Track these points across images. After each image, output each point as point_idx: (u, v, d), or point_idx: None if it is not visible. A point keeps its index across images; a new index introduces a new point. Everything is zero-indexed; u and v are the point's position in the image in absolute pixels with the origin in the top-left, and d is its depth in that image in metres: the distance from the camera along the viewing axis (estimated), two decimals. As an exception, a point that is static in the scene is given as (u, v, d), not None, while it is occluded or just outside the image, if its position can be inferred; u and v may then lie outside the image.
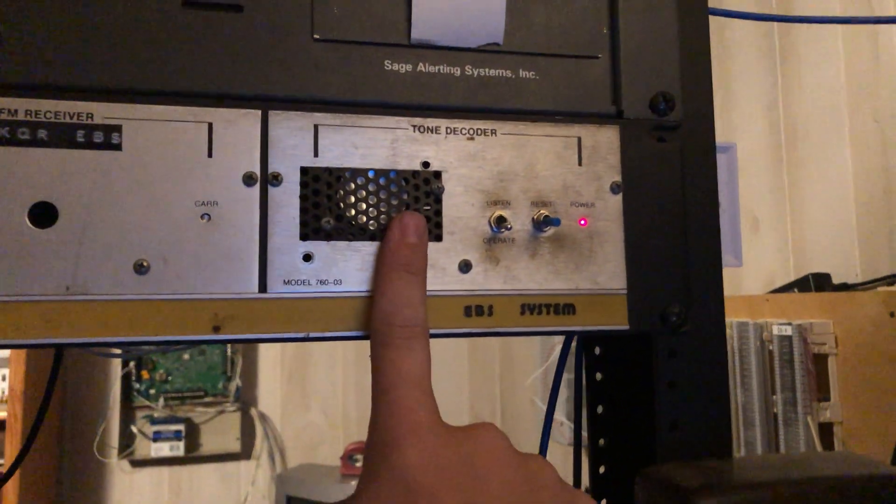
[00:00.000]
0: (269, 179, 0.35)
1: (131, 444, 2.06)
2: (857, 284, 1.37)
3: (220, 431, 2.12)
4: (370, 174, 0.36)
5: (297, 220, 0.35)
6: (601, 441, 0.45)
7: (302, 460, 2.19)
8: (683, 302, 0.39)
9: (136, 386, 2.06)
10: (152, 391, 2.07)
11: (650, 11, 0.41)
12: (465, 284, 0.37)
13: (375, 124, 0.37)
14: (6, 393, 1.89)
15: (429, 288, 0.36)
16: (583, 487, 0.50)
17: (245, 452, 2.16)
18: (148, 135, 0.34)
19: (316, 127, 0.36)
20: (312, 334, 0.35)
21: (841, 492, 0.34)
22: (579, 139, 0.39)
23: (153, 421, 2.05)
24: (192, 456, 2.08)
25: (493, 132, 0.38)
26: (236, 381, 2.11)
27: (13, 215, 0.32)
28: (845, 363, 1.19)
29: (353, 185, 0.36)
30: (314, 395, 2.22)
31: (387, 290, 0.34)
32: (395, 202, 0.36)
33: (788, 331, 1.21)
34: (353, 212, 0.36)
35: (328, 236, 0.35)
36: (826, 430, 1.20)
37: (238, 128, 0.35)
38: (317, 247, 0.35)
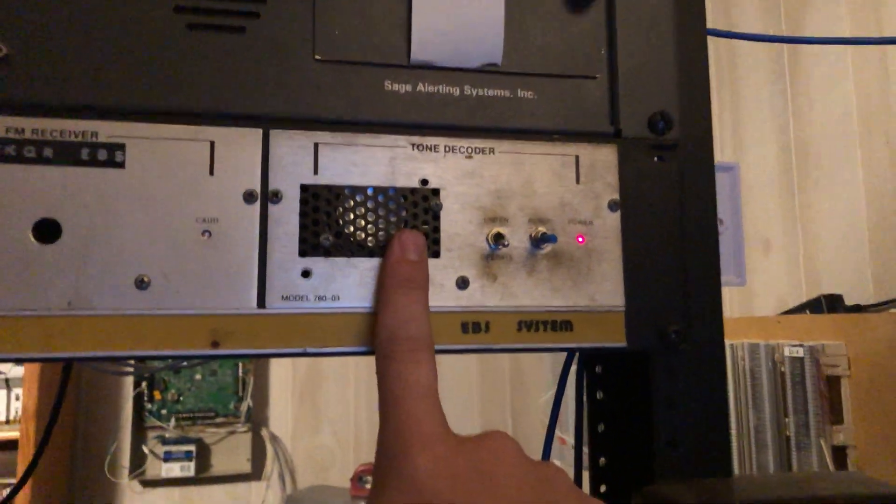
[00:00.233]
0: (269, 197, 0.36)
1: (142, 465, 2.06)
2: (870, 306, 1.35)
3: (231, 452, 2.12)
4: (369, 191, 0.37)
5: (297, 237, 0.36)
6: (602, 460, 0.45)
7: (312, 482, 2.18)
8: (682, 320, 0.39)
9: (148, 406, 2.07)
10: (164, 411, 2.07)
11: (648, 32, 0.41)
12: (463, 301, 0.37)
13: (375, 143, 0.37)
14: (19, 412, 1.91)
15: (427, 304, 0.36)
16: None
17: (255, 473, 2.15)
18: (151, 153, 0.35)
19: (316, 145, 0.37)
20: (310, 350, 0.35)
21: (840, 511, 0.33)
22: (577, 157, 0.39)
23: (164, 441, 2.05)
24: (203, 477, 2.07)
25: (492, 150, 0.38)
26: (247, 402, 2.11)
27: (18, 231, 0.33)
28: (859, 385, 1.18)
29: (351, 202, 0.37)
30: (325, 417, 2.22)
31: (390, 306, 0.34)
32: (393, 219, 0.37)
33: (800, 352, 1.20)
34: (351, 228, 0.36)
35: (327, 253, 0.36)
36: (839, 453, 1.19)
37: (239, 146, 0.36)
38: (315, 263, 0.36)
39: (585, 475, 0.48)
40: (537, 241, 0.38)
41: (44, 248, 0.33)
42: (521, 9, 0.40)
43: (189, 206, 0.35)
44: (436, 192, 0.37)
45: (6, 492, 1.83)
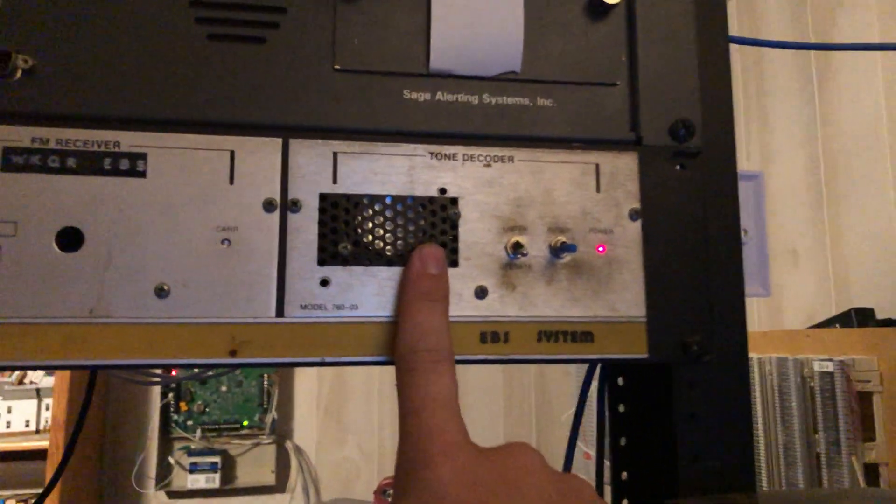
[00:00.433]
0: (288, 206, 0.36)
1: (168, 476, 2.07)
2: (902, 319, 1.33)
3: (256, 464, 2.12)
4: (387, 200, 0.37)
5: (315, 246, 0.36)
6: (624, 474, 0.44)
7: (336, 494, 2.17)
8: (704, 331, 0.38)
9: (175, 417, 2.08)
10: (190, 423, 2.08)
11: (670, 39, 0.41)
12: (481, 311, 0.37)
13: (394, 151, 0.37)
14: (49, 422, 1.93)
15: (445, 314, 0.36)
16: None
17: (280, 485, 2.15)
18: (172, 162, 0.35)
19: (335, 154, 0.37)
20: (328, 359, 0.35)
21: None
22: (597, 166, 0.39)
23: (190, 452, 2.07)
24: (228, 488, 2.08)
25: (511, 159, 0.38)
26: (272, 414, 2.12)
27: (42, 240, 0.33)
28: (891, 401, 1.15)
29: (370, 211, 0.37)
30: (350, 430, 2.22)
31: (410, 319, 0.34)
32: (411, 228, 0.37)
33: (830, 367, 1.17)
34: (370, 237, 0.36)
35: (345, 262, 0.36)
36: (871, 470, 1.16)
37: (259, 156, 0.36)
38: (334, 272, 0.36)
39: (607, 489, 0.48)
40: (557, 251, 0.37)
41: (66, 256, 0.34)
42: (541, 16, 0.40)
43: (209, 215, 0.35)
44: (454, 200, 0.37)
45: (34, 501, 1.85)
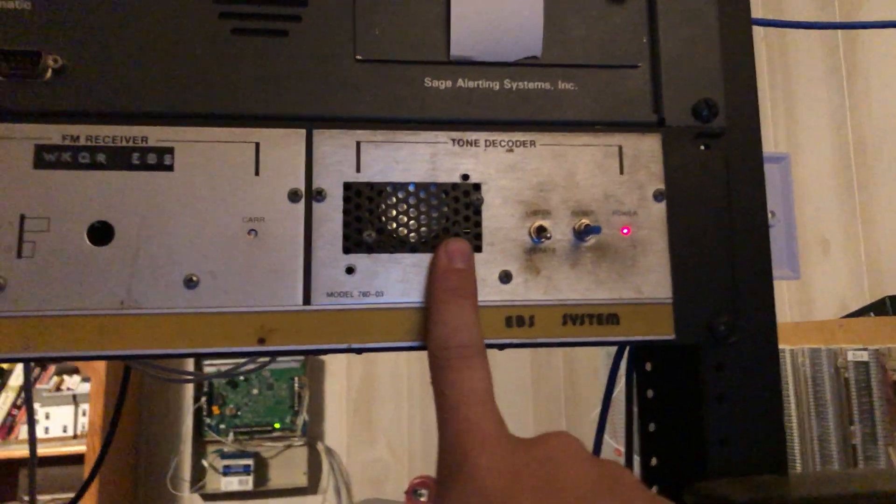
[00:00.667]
0: (313, 195, 0.36)
1: (202, 478, 2.10)
2: (938, 307, 1.30)
3: (288, 466, 2.14)
4: (410, 188, 0.37)
5: (340, 234, 0.36)
6: (653, 460, 0.44)
7: (368, 495, 2.18)
8: (731, 312, 0.38)
9: (207, 421, 2.11)
10: (222, 426, 2.11)
11: (691, 20, 0.41)
12: (506, 295, 0.37)
13: (416, 139, 0.38)
14: (86, 427, 1.96)
15: (469, 299, 0.36)
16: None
17: (312, 487, 2.17)
18: (198, 156, 0.36)
19: (358, 143, 0.37)
20: (355, 345, 0.35)
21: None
22: (620, 148, 0.39)
23: (223, 455, 2.09)
24: (260, 490, 2.10)
25: (533, 143, 0.38)
26: (303, 416, 2.13)
27: (74, 234, 0.34)
28: (929, 391, 1.13)
29: (394, 199, 0.37)
30: (380, 430, 2.23)
31: (440, 316, 0.34)
32: (435, 214, 0.37)
33: (865, 356, 1.15)
34: (394, 225, 0.37)
35: (370, 249, 0.36)
36: (910, 462, 1.14)
37: (284, 147, 0.36)
38: (359, 259, 0.36)
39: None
40: (581, 234, 0.37)
41: (97, 249, 0.34)
42: (560, 0, 0.40)
43: (236, 207, 0.36)
44: (477, 186, 0.37)
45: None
